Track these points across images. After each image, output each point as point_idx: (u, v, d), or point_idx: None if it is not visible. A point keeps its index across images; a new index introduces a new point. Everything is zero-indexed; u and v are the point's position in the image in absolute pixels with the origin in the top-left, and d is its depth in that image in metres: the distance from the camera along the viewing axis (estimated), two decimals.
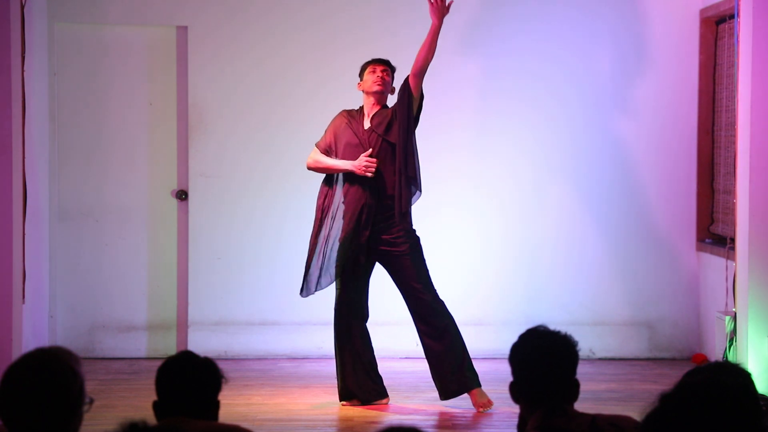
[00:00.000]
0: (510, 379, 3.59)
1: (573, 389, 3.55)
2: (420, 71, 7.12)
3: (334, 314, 7.28)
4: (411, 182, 7.07)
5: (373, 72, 7.25)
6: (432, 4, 7.12)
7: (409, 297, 7.19)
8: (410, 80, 7.15)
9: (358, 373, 7.20)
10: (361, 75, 7.34)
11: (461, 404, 7.26)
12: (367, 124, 7.26)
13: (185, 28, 8.70)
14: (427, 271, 7.21)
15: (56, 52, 8.63)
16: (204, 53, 8.67)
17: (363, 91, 7.30)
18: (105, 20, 8.66)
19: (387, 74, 7.27)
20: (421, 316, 7.17)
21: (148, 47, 8.73)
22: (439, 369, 7.15)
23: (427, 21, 8.77)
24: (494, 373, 7.75)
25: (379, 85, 7.21)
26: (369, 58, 7.41)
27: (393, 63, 7.38)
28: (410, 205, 7.13)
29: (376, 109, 7.26)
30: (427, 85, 7.55)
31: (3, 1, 7.15)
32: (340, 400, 7.26)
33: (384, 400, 7.27)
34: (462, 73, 8.69)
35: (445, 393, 7.16)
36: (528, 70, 8.73)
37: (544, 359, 3.51)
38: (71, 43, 8.67)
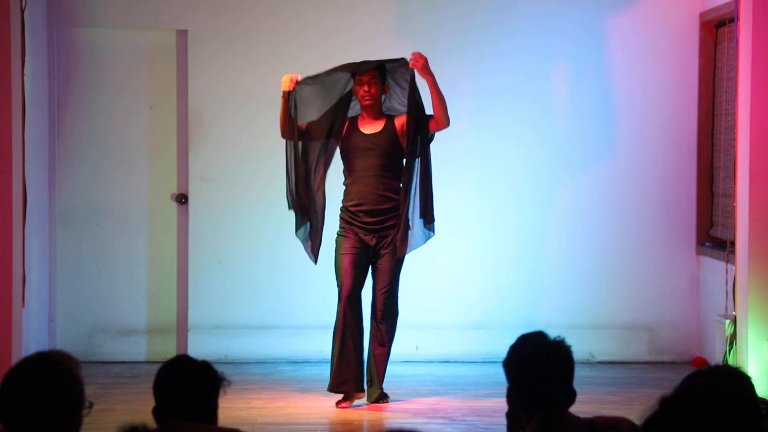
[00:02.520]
0: None
1: (569, 394, 3.55)
2: (440, 123, 7.28)
3: (337, 307, 7.40)
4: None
5: (360, 84, 7.35)
6: (413, 62, 7.23)
7: (374, 295, 7.40)
8: (431, 124, 7.29)
9: (357, 363, 7.33)
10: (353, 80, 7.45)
11: (462, 407, 7.27)
12: (368, 130, 7.37)
13: (185, 31, 8.70)
14: (398, 279, 7.38)
15: (56, 56, 8.63)
16: (204, 57, 8.67)
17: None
18: (105, 24, 8.67)
19: (374, 82, 7.34)
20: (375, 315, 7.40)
21: (148, 51, 8.73)
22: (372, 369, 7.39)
23: (426, 25, 8.77)
24: (495, 376, 7.75)
25: (367, 100, 7.34)
26: (371, 57, 7.50)
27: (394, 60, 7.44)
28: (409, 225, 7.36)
29: (371, 118, 7.39)
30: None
31: (3, 5, 7.15)
32: (331, 389, 7.34)
33: (361, 395, 7.38)
34: (460, 75, 8.68)
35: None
36: (527, 73, 8.72)
37: (537, 366, 3.50)
38: (71, 47, 8.67)
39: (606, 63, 8.76)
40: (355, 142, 7.35)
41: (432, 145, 7.64)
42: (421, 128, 7.28)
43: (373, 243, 7.32)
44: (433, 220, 7.40)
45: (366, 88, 7.32)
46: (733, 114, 7.93)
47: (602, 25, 8.74)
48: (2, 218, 7.20)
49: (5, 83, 7.17)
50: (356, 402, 7.37)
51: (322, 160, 7.45)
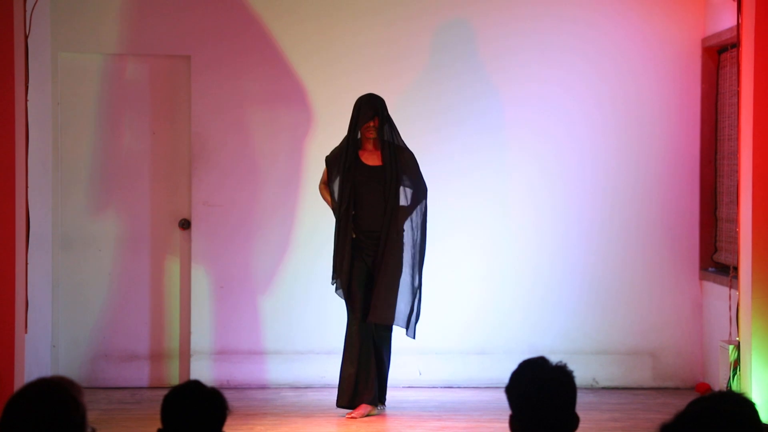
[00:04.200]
0: None
1: (572, 420, 3.53)
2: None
3: (346, 331, 7.69)
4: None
5: (365, 128, 7.71)
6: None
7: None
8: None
9: (371, 377, 7.62)
10: (355, 117, 7.71)
11: None
12: (371, 161, 7.72)
13: (188, 57, 8.72)
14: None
15: (60, 82, 8.65)
16: (206, 82, 8.69)
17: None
18: (108, 50, 8.69)
19: (376, 123, 7.67)
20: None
21: (150, 77, 8.74)
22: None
23: (441, 47, 8.77)
24: (497, 401, 7.72)
25: (370, 134, 7.70)
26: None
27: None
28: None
29: (374, 148, 7.73)
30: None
31: (7, 30, 7.17)
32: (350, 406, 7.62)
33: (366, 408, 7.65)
34: (461, 103, 8.69)
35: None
36: (531, 99, 8.73)
37: (539, 392, 3.49)
38: (74, 73, 8.69)
39: (608, 89, 8.76)
40: (358, 173, 7.66)
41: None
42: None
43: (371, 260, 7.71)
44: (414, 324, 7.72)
45: (371, 123, 7.67)
46: (736, 139, 7.93)
47: (604, 52, 8.75)
48: (5, 243, 7.20)
49: (9, 108, 7.18)
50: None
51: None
